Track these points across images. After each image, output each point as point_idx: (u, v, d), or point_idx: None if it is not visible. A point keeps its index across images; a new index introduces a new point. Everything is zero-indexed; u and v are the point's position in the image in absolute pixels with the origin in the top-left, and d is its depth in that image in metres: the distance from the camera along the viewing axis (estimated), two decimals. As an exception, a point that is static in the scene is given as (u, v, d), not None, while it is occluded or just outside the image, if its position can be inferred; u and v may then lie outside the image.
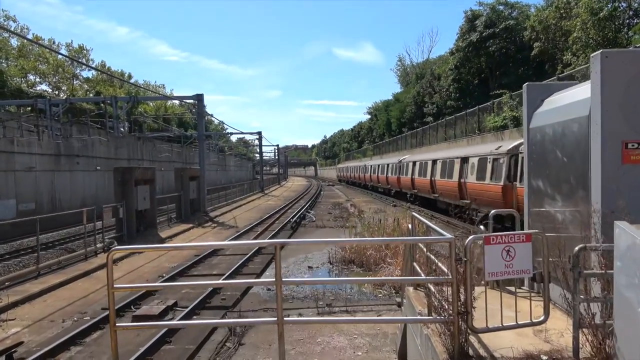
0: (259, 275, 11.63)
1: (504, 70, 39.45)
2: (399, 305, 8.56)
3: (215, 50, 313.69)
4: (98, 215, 15.82)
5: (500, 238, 3.34)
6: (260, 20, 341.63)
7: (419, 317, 3.91)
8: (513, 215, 5.58)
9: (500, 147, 17.11)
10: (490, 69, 41.18)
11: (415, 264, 4.93)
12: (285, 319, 3.48)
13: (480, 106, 28.32)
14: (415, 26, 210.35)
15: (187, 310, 8.41)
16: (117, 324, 3.69)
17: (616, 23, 27.27)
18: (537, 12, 35.30)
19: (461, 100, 44.07)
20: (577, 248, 3.10)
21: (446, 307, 3.38)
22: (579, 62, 26.68)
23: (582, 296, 3.12)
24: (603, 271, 3.02)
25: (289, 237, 17.57)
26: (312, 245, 15.66)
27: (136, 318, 8.21)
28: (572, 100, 4.25)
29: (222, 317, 8.32)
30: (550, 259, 3.50)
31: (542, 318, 3.47)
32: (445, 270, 3.46)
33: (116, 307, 8.96)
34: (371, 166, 46.61)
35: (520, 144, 15.65)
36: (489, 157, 17.47)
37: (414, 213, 5.31)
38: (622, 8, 26.95)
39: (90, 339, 7.52)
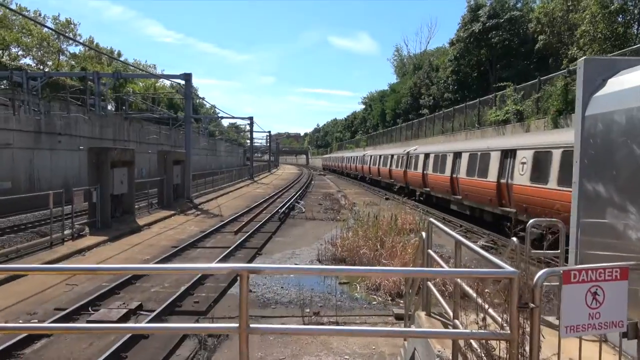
0: (239, 273, 10.48)
1: (505, 63, 38.34)
2: (397, 317, 7.47)
3: (210, 34, 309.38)
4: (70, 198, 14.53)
5: (585, 273, 2.21)
6: (256, 5, 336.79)
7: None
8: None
9: (405, 150, 29.36)
10: (491, 62, 40.02)
11: (431, 285, 3.79)
12: (251, 384, 2.32)
13: (481, 99, 27.21)
14: (413, 17, 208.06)
15: (152, 315, 7.25)
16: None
17: (627, 18, 26.21)
18: (542, 4, 34.12)
19: (459, 93, 42.99)
20: None
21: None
22: (586, 57, 25.60)
23: None
24: None
25: (276, 230, 16.42)
26: (301, 241, 14.55)
27: (92, 324, 7.02)
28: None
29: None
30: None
31: (635, 392, 2.38)
32: (497, 318, 2.34)
33: (74, 307, 7.81)
34: (346, 157, 60.92)
35: (414, 148, 27.29)
36: (400, 155, 29.61)
37: (432, 219, 4.16)
38: (633, 2, 25.83)
39: (30, 350, 6.33)
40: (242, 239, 13.89)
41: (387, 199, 28.17)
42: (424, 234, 4.16)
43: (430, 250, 3.85)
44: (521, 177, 13.60)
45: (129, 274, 8.55)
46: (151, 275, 10.10)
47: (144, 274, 9.59)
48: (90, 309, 7.76)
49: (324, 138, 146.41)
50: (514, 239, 4.16)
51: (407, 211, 17.50)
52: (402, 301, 8.58)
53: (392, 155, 31.91)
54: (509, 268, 2.22)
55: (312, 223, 18.38)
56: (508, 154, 14.90)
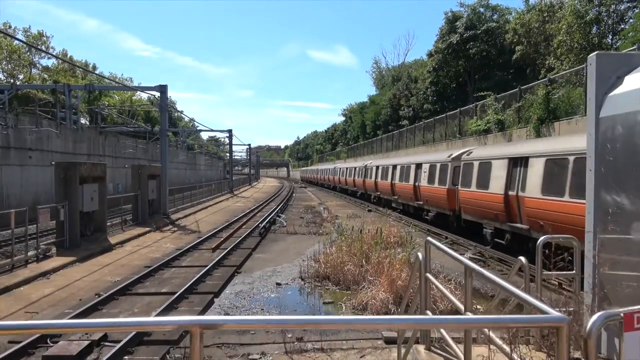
0: (217, 295, 9.79)
1: (483, 74, 38.65)
2: (387, 341, 6.91)
3: (189, 47, 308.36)
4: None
5: (649, 314, 1.71)
6: (235, 19, 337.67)
7: None
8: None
9: (363, 164, 35.47)
10: (469, 73, 40.33)
11: (444, 333, 3.24)
12: None
13: (461, 109, 27.13)
14: (390, 30, 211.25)
15: (116, 347, 6.52)
16: None
17: (601, 28, 26.59)
18: (518, 16, 34.56)
19: (438, 104, 43.15)
20: None
21: None
22: (563, 67, 25.81)
23: None
24: None
25: (257, 246, 15.76)
26: (282, 257, 13.92)
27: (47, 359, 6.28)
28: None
29: (162, 359, 6.48)
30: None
31: None
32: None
33: (30, 339, 6.99)
34: (320, 169, 68.49)
35: (370, 162, 34.07)
36: (360, 167, 35.99)
37: (430, 239, 3.63)
38: (606, 13, 26.23)
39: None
40: (220, 257, 13.18)
41: (369, 210, 27.74)
42: (420, 254, 3.64)
43: (429, 275, 3.32)
44: (424, 181, 20.44)
45: (37, 333, 6.36)
46: (120, 299, 9.36)
47: (95, 311, 8.82)
48: (48, 340, 6.98)
49: (305, 150, 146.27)
50: (522, 258, 3.67)
51: (391, 223, 17.02)
52: (390, 321, 8.03)
53: (355, 168, 39.12)
54: (555, 313, 1.68)
55: (294, 237, 17.77)
56: (419, 166, 21.70)
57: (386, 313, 8.33)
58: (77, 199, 14.61)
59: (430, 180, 19.65)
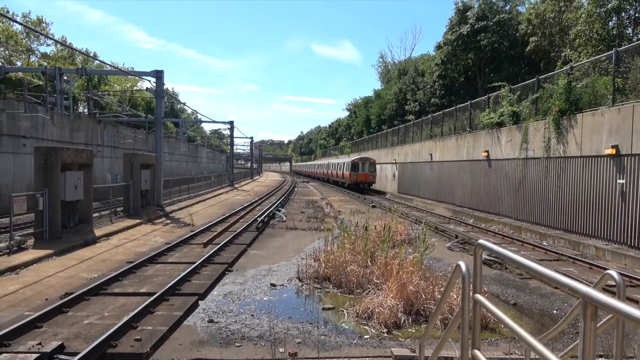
0: (202, 296, 8.63)
1: (493, 67, 37.25)
2: (398, 361, 5.74)
3: (192, 40, 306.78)
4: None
5: None
6: (240, 12, 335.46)
7: None
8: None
9: (328, 162, 63.55)
10: (479, 67, 38.94)
11: (477, 352, 2.07)
12: None
13: (472, 101, 25.83)
14: (396, 25, 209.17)
15: (71, 362, 5.37)
16: None
17: (621, 19, 25.18)
18: (533, 5, 33.11)
19: (446, 98, 41.77)
20: None
21: None
22: (580, 59, 24.45)
23: None
24: None
25: (253, 241, 14.61)
26: (279, 254, 12.74)
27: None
28: None
29: (125, 377, 5.32)
30: None
31: None
32: None
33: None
34: (312, 164, 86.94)
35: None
36: (333, 163, 57.11)
37: (483, 241, 2.39)
38: (627, 1, 24.79)
39: None
40: (211, 252, 12.02)
41: (373, 206, 26.56)
42: (463, 265, 2.45)
43: (484, 300, 2.14)
44: (345, 169, 45.55)
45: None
46: (91, 300, 8.20)
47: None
48: (-6, 350, 5.85)
49: (308, 145, 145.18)
50: (612, 272, 2.49)
51: (398, 220, 15.84)
52: (400, 334, 6.88)
53: (332, 162, 57.17)
54: None
55: (293, 233, 16.62)
56: (344, 163, 46.64)
57: (395, 323, 7.18)
58: (58, 187, 13.46)
59: (352, 169, 42.31)
